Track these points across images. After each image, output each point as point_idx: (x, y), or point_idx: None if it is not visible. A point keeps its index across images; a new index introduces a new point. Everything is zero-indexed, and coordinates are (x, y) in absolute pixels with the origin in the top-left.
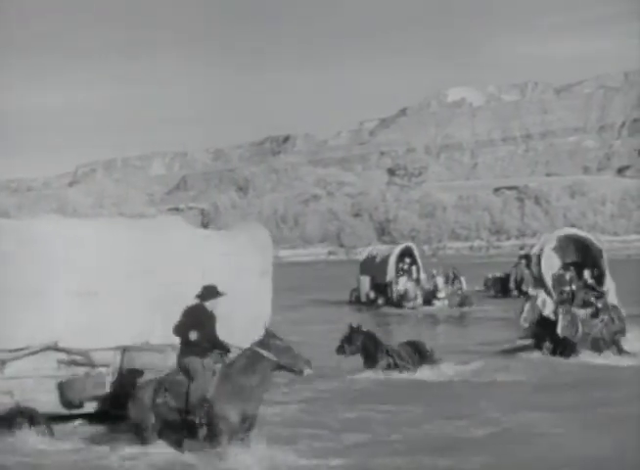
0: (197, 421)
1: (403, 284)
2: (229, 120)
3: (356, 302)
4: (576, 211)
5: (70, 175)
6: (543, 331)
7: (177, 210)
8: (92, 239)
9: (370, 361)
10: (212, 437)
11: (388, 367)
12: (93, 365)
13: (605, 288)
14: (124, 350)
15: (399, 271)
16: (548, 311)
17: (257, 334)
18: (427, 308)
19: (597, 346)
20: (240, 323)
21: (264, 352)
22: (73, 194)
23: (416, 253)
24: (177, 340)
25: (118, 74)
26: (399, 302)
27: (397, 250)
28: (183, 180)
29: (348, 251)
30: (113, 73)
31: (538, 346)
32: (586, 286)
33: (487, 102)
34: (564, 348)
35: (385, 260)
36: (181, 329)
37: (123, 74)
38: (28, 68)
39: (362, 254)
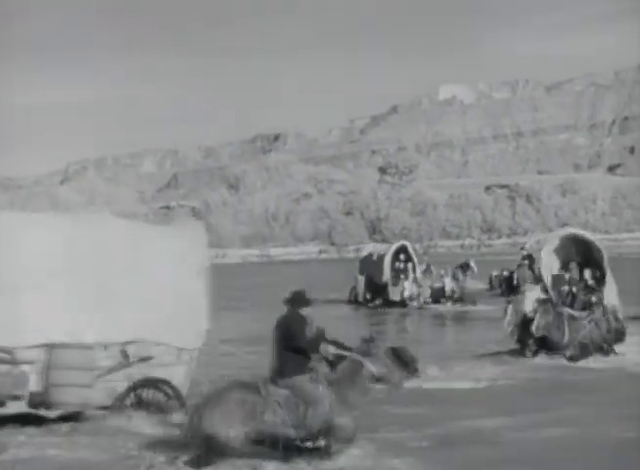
0: (317, 445)
1: (409, 288)
2: (220, 118)
3: (355, 301)
4: (567, 209)
5: (62, 173)
6: (526, 333)
7: (168, 208)
8: (16, 234)
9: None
10: (329, 448)
11: None
12: (16, 363)
13: (599, 286)
14: (50, 347)
15: (399, 272)
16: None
17: (195, 335)
18: (429, 307)
19: (585, 350)
20: (178, 324)
21: (365, 362)
22: (65, 192)
23: (411, 251)
24: (113, 337)
25: (109, 73)
26: (403, 302)
27: (392, 249)
28: (174, 178)
29: (340, 249)
30: (103, 72)
31: (522, 352)
32: (587, 287)
33: (478, 99)
34: (548, 350)
35: (380, 260)
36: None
37: (114, 73)
38: (19, 66)
39: (362, 252)
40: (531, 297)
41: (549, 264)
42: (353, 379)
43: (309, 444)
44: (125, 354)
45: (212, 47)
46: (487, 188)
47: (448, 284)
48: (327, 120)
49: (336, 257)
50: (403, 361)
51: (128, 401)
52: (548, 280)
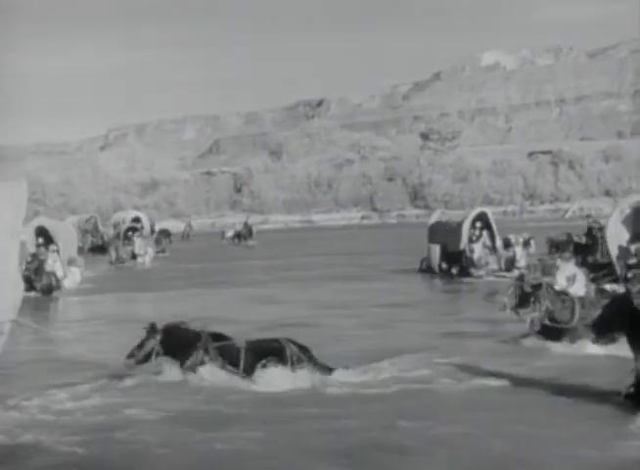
0: None
1: (479, 251)
2: (262, 84)
3: (427, 270)
4: (610, 175)
5: (102, 139)
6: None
7: (209, 173)
8: None
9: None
10: None
11: (192, 369)
12: None
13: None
14: None
15: (472, 238)
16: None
17: (4, 305)
18: (492, 278)
19: (575, 334)
20: None
21: None
22: (105, 158)
23: (490, 218)
24: None
25: (151, 37)
26: (467, 269)
27: (471, 216)
28: (215, 144)
29: (382, 215)
30: (145, 36)
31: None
32: None
33: (521, 66)
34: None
35: (457, 227)
36: None
37: (156, 37)
38: (59, 30)
39: (430, 219)
40: (568, 271)
41: (616, 235)
42: None
43: None
44: None
45: (252, 12)
46: (530, 154)
47: (519, 253)
48: (369, 86)
49: (378, 222)
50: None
51: None
52: (614, 252)
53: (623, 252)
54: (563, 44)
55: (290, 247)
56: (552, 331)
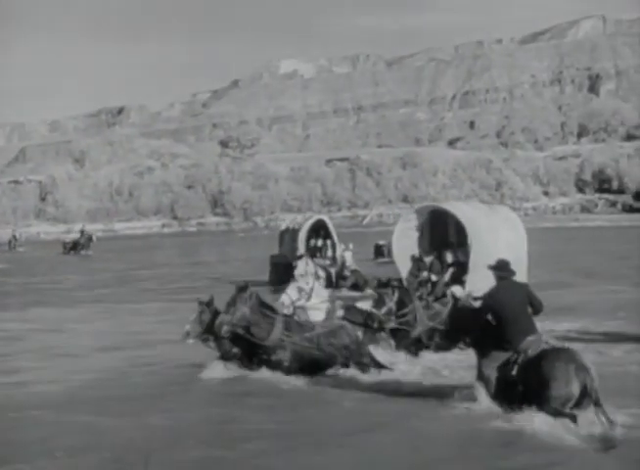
0: None
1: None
2: (65, 91)
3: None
4: (408, 181)
5: None
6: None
7: (16, 182)
8: None
9: None
10: None
11: None
12: None
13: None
14: None
15: (315, 251)
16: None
17: None
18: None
19: (298, 360)
20: None
21: None
22: None
23: (330, 227)
24: None
25: None
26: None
27: (307, 225)
28: (22, 152)
29: (182, 223)
30: None
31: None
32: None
33: (319, 74)
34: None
35: (294, 237)
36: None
37: None
38: None
39: (281, 226)
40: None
41: (403, 245)
42: None
43: None
44: None
45: (53, 18)
46: (328, 161)
47: (349, 260)
48: (169, 94)
49: (178, 230)
50: None
51: None
52: (402, 265)
53: (414, 264)
54: (360, 52)
55: (124, 256)
56: (244, 344)
